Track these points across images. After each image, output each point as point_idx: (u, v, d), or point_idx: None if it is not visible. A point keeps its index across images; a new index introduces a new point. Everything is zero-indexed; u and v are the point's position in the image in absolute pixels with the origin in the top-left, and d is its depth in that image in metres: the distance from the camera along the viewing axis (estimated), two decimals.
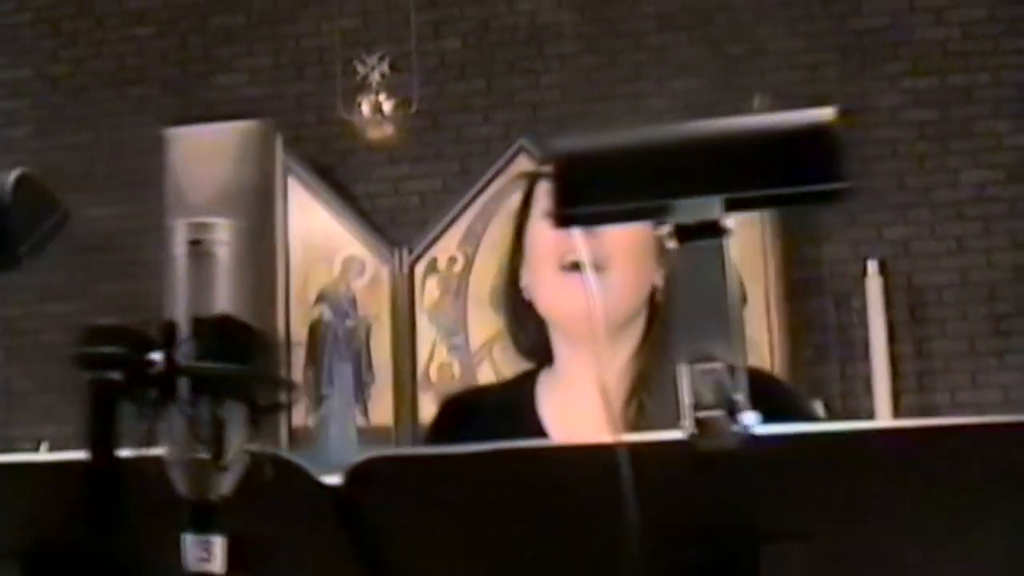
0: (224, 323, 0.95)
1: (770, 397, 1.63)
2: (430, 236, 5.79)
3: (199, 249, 0.97)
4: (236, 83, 5.81)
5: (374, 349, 5.68)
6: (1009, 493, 1.09)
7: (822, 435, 1.11)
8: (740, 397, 0.99)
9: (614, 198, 1.04)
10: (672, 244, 0.99)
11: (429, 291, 5.79)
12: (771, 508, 1.11)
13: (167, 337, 0.95)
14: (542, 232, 1.78)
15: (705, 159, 1.02)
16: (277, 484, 1.05)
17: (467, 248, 5.78)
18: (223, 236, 0.98)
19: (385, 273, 5.77)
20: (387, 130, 5.58)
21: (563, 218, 1.07)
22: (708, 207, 0.99)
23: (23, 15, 6.18)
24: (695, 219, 0.98)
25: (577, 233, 1.65)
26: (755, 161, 1.01)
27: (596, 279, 1.68)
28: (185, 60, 5.95)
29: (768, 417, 1.63)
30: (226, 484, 0.96)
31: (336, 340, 5.72)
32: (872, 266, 5.38)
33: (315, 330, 5.71)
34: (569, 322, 1.77)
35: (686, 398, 0.98)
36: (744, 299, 5.41)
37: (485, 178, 5.77)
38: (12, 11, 6.21)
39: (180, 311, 0.96)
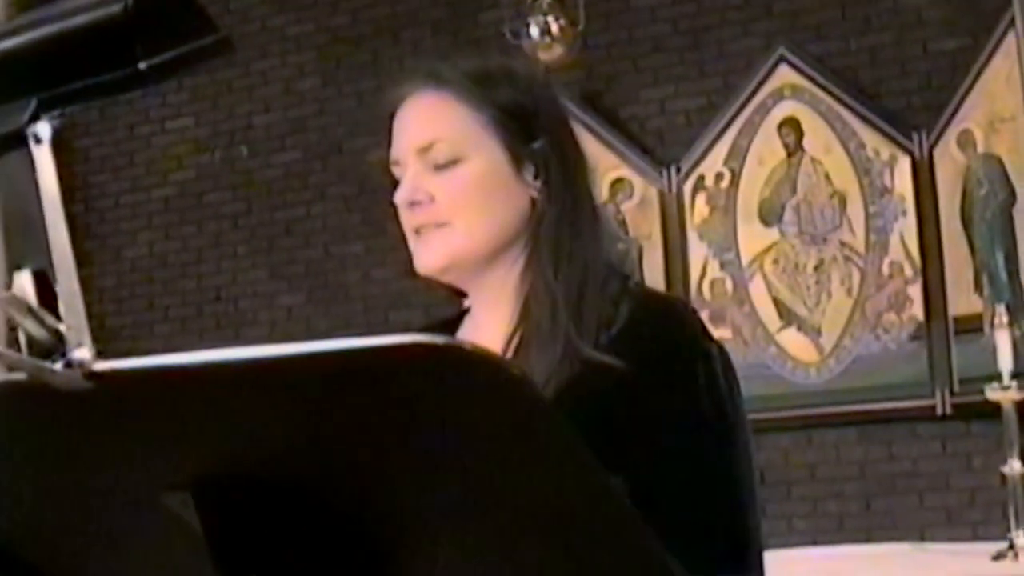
0: None
1: (660, 332, 1.55)
2: (697, 153, 5.85)
3: None
4: (502, 18, 5.98)
5: (647, 269, 5.80)
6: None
7: (182, 368, 0.88)
8: (64, 328, 0.87)
9: None
10: None
11: (698, 208, 5.85)
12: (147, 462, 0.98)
13: None
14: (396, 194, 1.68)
15: (14, 63, 0.93)
16: None
17: (733, 163, 5.81)
18: None
19: (653, 193, 5.87)
20: (556, 51, 5.65)
21: None
22: (17, 114, 0.91)
23: None
24: (6, 129, 0.91)
25: (404, 194, 1.63)
26: (56, 58, 0.92)
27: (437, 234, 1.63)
28: (453, 1, 6.19)
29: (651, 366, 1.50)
30: None
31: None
32: None
33: None
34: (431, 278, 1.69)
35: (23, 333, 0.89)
36: (1013, 197, 5.23)
37: (747, 91, 5.78)
38: None
39: None
